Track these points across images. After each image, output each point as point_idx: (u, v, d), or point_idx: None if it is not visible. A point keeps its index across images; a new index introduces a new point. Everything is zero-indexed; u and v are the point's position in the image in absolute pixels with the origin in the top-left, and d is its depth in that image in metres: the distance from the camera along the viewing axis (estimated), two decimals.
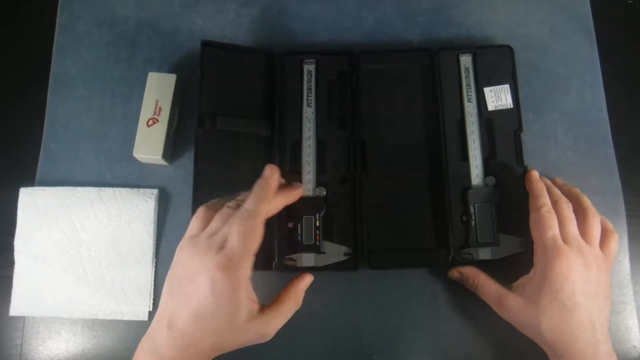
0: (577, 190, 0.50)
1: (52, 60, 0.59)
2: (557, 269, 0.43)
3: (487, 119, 0.53)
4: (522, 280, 0.46)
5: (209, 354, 0.40)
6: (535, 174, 0.50)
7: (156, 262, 0.53)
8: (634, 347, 0.52)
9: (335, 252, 0.50)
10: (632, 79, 0.60)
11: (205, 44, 0.53)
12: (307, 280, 0.46)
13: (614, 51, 0.59)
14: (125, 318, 0.52)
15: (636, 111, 0.59)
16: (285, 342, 0.51)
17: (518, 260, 0.50)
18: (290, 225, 0.51)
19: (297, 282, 0.45)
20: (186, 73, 0.56)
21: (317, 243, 0.50)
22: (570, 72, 0.58)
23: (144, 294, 0.52)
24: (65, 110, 0.57)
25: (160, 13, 0.60)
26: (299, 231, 0.50)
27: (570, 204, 0.47)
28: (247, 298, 0.40)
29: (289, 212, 0.51)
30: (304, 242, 0.50)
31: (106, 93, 0.57)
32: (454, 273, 0.50)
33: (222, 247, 0.39)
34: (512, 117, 0.53)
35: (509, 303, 0.45)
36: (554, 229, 0.45)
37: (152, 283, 0.52)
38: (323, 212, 0.51)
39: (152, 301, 0.52)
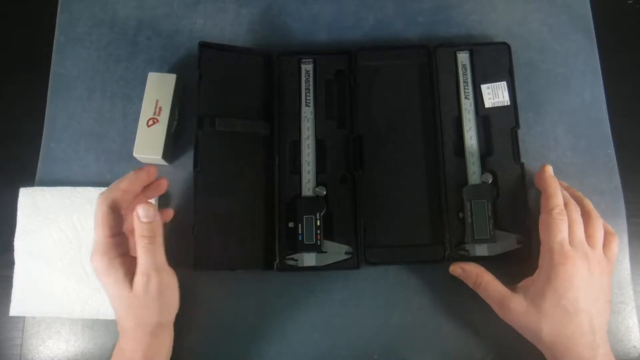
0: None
1: (52, 60, 0.59)
2: (563, 274, 0.43)
3: (484, 115, 0.53)
4: (525, 282, 0.46)
5: (150, 331, 0.44)
6: (549, 169, 0.49)
7: None
8: (634, 347, 0.52)
9: (336, 251, 0.50)
10: (632, 79, 0.60)
11: (203, 45, 0.53)
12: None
13: (614, 51, 0.59)
14: None
15: (636, 111, 0.59)
16: (286, 341, 0.52)
17: (514, 256, 0.50)
18: (291, 225, 0.51)
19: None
20: (186, 73, 0.56)
21: (318, 242, 0.50)
22: (570, 72, 0.58)
23: None
24: (65, 110, 0.57)
25: (160, 13, 0.60)
26: (300, 231, 0.50)
27: (578, 207, 0.47)
28: (123, 273, 0.42)
29: (290, 212, 0.51)
30: (305, 241, 0.50)
31: (106, 93, 0.57)
32: (456, 269, 0.49)
33: None
34: (509, 114, 0.53)
35: (512, 305, 0.45)
36: (563, 233, 0.44)
37: None
38: (323, 211, 0.51)
39: None
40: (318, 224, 0.50)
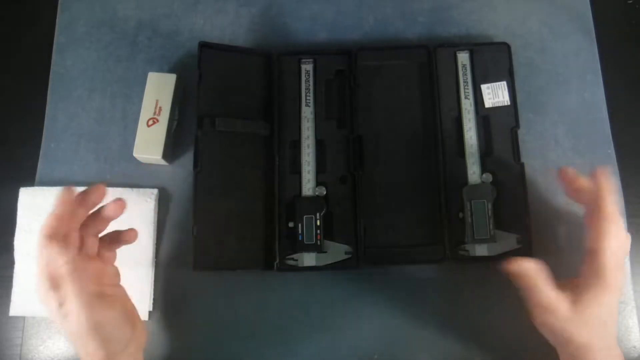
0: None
1: (52, 61, 0.59)
2: (612, 287, 0.42)
3: (484, 115, 0.54)
4: (569, 284, 0.44)
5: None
6: (606, 170, 0.45)
7: (156, 262, 0.53)
8: (634, 347, 0.52)
9: (336, 251, 0.50)
10: (632, 79, 0.60)
11: (203, 45, 0.53)
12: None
13: (614, 51, 0.59)
14: None
15: (636, 111, 0.59)
16: (285, 341, 0.52)
17: (514, 256, 0.49)
18: (291, 225, 0.51)
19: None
20: (186, 73, 0.56)
21: (318, 242, 0.50)
22: (570, 72, 0.58)
23: (144, 294, 0.52)
24: (65, 110, 0.57)
25: (160, 13, 0.60)
26: (300, 231, 0.50)
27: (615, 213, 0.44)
28: (59, 304, 0.40)
29: (290, 212, 0.51)
30: (305, 241, 0.50)
31: (106, 93, 0.57)
32: (513, 266, 0.44)
33: None
34: (509, 113, 0.53)
35: (558, 310, 0.43)
36: (623, 242, 0.43)
37: (152, 283, 0.52)
38: (324, 211, 0.51)
39: (152, 301, 0.52)
40: (318, 223, 0.50)
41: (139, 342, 0.44)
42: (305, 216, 0.51)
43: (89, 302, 0.40)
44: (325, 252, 0.50)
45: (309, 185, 0.52)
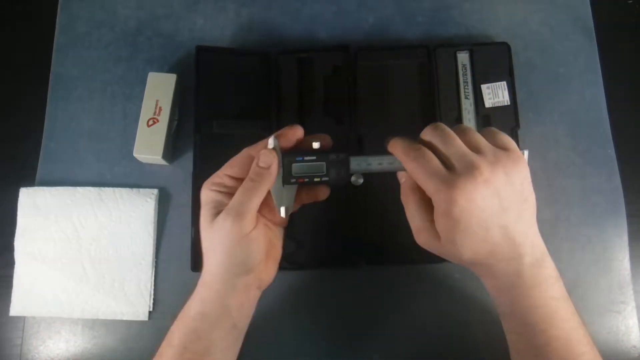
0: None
1: (52, 60, 0.59)
2: (456, 204, 0.37)
3: (484, 115, 0.54)
4: (434, 217, 0.40)
5: (220, 272, 0.41)
6: (394, 140, 0.42)
7: (156, 262, 0.53)
8: (634, 347, 0.52)
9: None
10: (632, 79, 0.60)
11: (200, 49, 0.53)
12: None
13: (614, 51, 0.59)
14: (125, 318, 0.52)
15: (636, 111, 0.59)
16: (285, 341, 0.52)
17: None
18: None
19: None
20: (186, 73, 0.56)
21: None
22: (570, 72, 0.58)
23: (144, 294, 0.52)
24: (65, 110, 0.57)
25: (160, 13, 0.60)
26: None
27: (438, 124, 0.41)
28: (213, 207, 0.41)
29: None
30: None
31: (106, 93, 0.57)
32: (408, 180, 0.42)
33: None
34: (509, 113, 0.53)
35: (427, 240, 0.41)
36: (431, 163, 0.38)
37: (152, 283, 0.52)
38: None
39: (152, 301, 0.52)
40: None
41: (260, 277, 0.43)
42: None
43: (243, 212, 0.40)
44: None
45: None
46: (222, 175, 0.42)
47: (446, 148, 0.39)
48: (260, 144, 0.43)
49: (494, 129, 0.41)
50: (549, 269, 0.40)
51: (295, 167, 0.42)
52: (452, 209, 0.37)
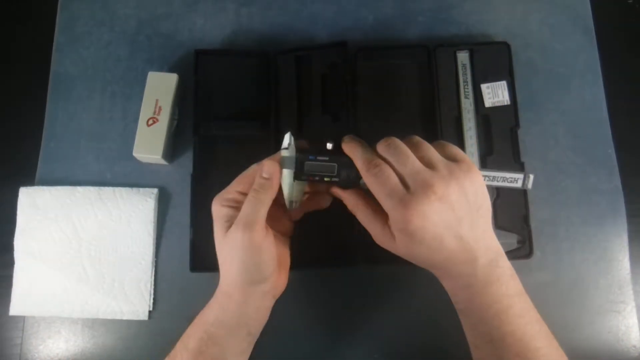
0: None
1: (52, 60, 0.59)
2: (411, 221, 0.38)
3: (484, 115, 0.54)
4: (391, 227, 0.41)
5: (235, 284, 0.43)
6: (347, 139, 0.44)
7: (156, 262, 0.53)
8: (634, 346, 0.52)
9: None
10: (632, 79, 0.60)
11: (199, 52, 0.53)
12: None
13: (614, 51, 0.59)
14: (125, 318, 0.52)
15: (636, 111, 0.59)
16: (285, 341, 0.52)
17: (514, 256, 0.50)
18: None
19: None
20: (186, 73, 0.56)
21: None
22: (570, 72, 0.58)
23: (144, 294, 0.52)
24: (65, 110, 0.57)
25: (160, 13, 0.60)
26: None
27: (392, 139, 0.42)
28: (225, 220, 0.43)
29: None
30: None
31: (106, 93, 0.57)
32: (336, 191, 0.44)
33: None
34: (509, 113, 0.53)
35: (388, 246, 0.42)
36: (390, 181, 0.39)
37: (152, 283, 0.52)
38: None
39: (152, 301, 0.52)
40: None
41: (275, 286, 0.45)
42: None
43: (251, 223, 0.41)
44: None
45: None
46: (232, 191, 0.44)
47: (400, 167, 0.40)
48: (265, 160, 0.44)
49: (443, 141, 0.42)
50: (503, 267, 0.41)
51: (308, 165, 0.43)
52: (407, 227, 0.38)
